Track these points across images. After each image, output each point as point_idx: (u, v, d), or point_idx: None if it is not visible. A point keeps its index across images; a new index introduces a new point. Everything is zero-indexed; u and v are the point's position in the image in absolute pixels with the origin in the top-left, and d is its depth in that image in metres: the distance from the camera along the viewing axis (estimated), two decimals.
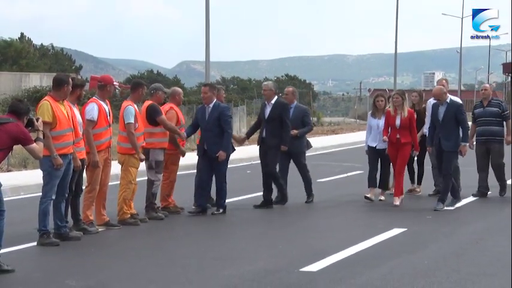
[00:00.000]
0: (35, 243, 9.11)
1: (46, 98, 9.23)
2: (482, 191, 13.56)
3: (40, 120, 8.37)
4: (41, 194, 9.27)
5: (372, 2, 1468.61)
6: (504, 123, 13.62)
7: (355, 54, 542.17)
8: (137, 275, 7.68)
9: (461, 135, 12.10)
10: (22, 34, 76.86)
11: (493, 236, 9.92)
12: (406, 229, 10.27)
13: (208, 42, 28.53)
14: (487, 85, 14.43)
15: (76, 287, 7.20)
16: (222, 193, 11.61)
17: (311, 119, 13.75)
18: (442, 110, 12.07)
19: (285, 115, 12.19)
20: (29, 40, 76.12)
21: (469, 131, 13.53)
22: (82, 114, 10.10)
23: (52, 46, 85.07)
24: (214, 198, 12.18)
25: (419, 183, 14.04)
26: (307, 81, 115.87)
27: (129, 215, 10.63)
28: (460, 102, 13.10)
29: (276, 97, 12.34)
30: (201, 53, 29.11)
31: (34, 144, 7.98)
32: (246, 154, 20.75)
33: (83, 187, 10.13)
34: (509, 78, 70.76)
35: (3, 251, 8.11)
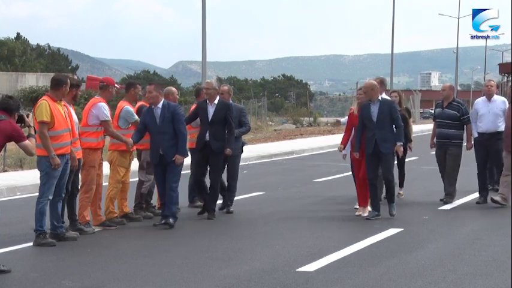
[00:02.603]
0: (31, 244, 9.09)
1: (44, 97, 9.23)
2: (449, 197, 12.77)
3: (30, 116, 8.35)
4: (37, 194, 9.26)
5: (368, 3, 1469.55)
6: (465, 127, 12.68)
7: (351, 54, 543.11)
8: (134, 275, 7.67)
9: (402, 134, 11.27)
10: (18, 34, 76.92)
11: (489, 236, 9.93)
12: (402, 229, 10.27)
13: (204, 42, 28.53)
14: (447, 85, 13.10)
15: (72, 287, 7.19)
16: (172, 200, 10.48)
17: (248, 118, 12.58)
18: (375, 109, 11.06)
19: (230, 116, 11.16)
20: (24, 40, 76.13)
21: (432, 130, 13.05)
22: (84, 114, 10.14)
23: (48, 46, 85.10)
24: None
25: (401, 186, 13.48)
26: (304, 81, 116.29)
27: (116, 214, 10.65)
28: (391, 99, 12.05)
29: (218, 97, 11.26)
30: (197, 53, 29.13)
31: (27, 141, 7.95)
32: (243, 154, 20.61)
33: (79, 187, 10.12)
34: (506, 78, 70.78)
35: None
